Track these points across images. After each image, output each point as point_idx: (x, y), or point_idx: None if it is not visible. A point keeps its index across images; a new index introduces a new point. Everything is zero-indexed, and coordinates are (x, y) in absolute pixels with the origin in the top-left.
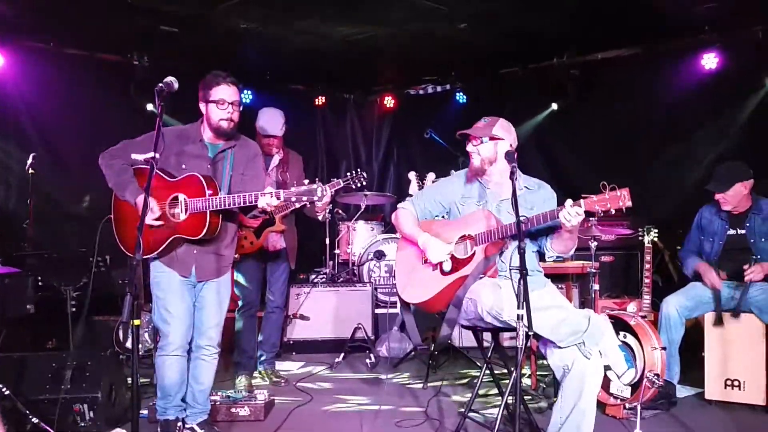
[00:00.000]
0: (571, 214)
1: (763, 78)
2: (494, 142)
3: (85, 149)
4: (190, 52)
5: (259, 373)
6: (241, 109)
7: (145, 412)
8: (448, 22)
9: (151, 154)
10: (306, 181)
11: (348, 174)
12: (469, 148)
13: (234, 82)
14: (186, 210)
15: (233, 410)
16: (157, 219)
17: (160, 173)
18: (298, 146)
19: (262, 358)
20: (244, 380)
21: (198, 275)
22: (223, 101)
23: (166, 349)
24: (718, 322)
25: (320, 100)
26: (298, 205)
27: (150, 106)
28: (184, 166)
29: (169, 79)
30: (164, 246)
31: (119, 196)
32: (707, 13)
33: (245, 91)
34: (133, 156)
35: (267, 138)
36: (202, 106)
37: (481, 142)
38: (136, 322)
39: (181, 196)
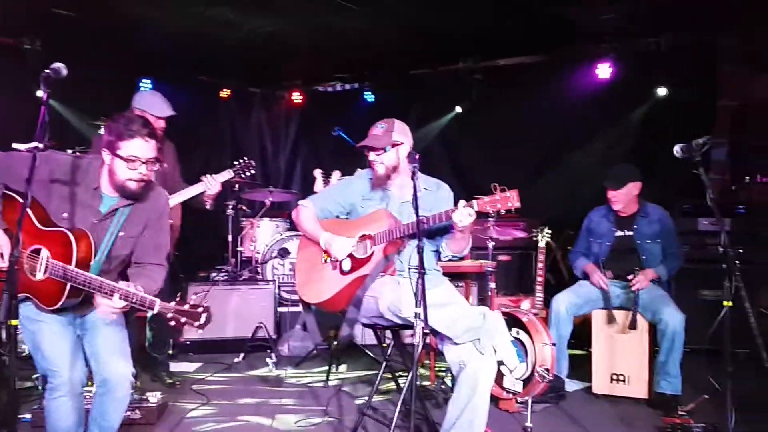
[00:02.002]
0: (464, 214)
1: (652, 88)
2: (396, 148)
3: None
4: (87, 37)
5: (151, 373)
6: (157, 166)
7: (28, 416)
8: (357, 21)
9: (34, 144)
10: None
11: (236, 163)
12: (372, 158)
13: (152, 134)
14: (45, 271)
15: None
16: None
17: (30, 214)
18: (202, 137)
19: (154, 359)
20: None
21: (74, 311)
22: (134, 159)
23: (54, 392)
24: (611, 319)
25: (225, 93)
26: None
27: (45, 95)
28: (65, 215)
29: (57, 65)
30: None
31: None
32: (604, 24)
33: (144, 81)
34: (14, 145)
35: (158, 120)
36: (105, 154)
37: (384, 151)
38: (14, 322)
39: (44, 252)
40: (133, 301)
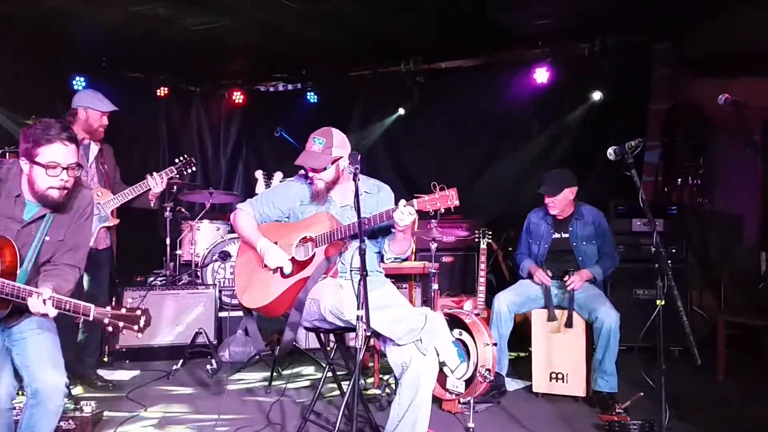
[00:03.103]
0: (404, 213)
1: (588, 92)
2: (335, 164)
3: None
4: (15, 31)
5: (82, 379)
6: (78, 172)
7: None
8: (297, 19)
9: None
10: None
11: (177, 160)
12: (311, 174)
13: (72, 138)
14: None
15: (57, 424)
16: None
17: None
18: (139, 137)
19: (85, 365)
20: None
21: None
22: (54, 165)
23: None
24: (552, 317)
25: (162, 91)
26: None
27: None
28: None
29: None
30: None
31: None
32: (541, 28)
33: (77, 78)
34: None
35: (102, 116)
36: (23, 163)
37: (324, 170)
38: None
39: None
40: (66, 308)
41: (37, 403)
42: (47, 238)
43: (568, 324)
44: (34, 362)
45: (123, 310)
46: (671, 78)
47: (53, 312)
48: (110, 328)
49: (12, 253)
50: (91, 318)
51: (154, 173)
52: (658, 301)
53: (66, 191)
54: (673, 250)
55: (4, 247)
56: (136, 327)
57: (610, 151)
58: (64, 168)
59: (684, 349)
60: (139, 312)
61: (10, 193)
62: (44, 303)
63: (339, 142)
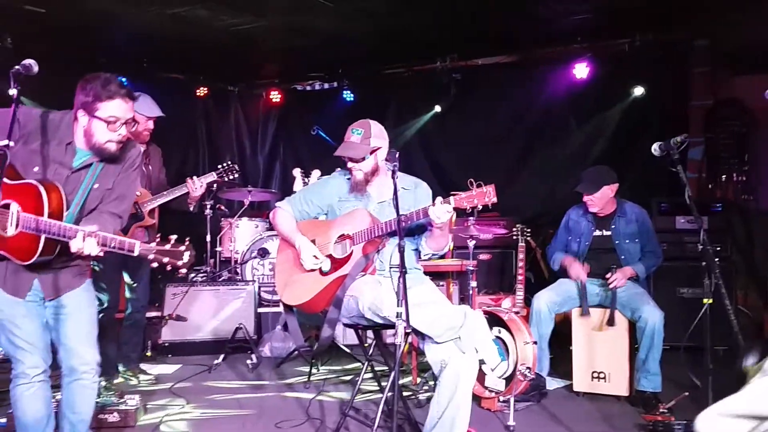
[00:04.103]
0: (441, 210)
1: (628, 88)
2: (374, 154)
3: None
4: (58, 34)
5: (126, 374)
6: (133, 126)
7: (3, 420)
8: (333, 18)
9: (5, 142)
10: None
11: (219, 166)
12: (350, 165)
13: (130, 94)
14: (17, 225)
15: (101, 416)
16: None
17: None
18: (178, 138)
19: (128, 359)
20: (103, 383)
21: (45, 293)
22: (114, 119)
23: (22, 377)
24: (585, 314)
25: (202, 91)
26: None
27: (15, 92)
28: (36, 169)
29: (28, 61)
30: None
31: None
32: (580, 24)
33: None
34: None
35: (148, 121)
36: (81, 115)
37: (363, 160)
38: None
39: (14, 206)
40: (112, 246)
41: (73, 380)
42: (96, 186)
43: (610, 322)
44: (71, 339)
45: (168, 246)
46: (711, 74)
47: (96, 250)
48: (155, 264)
49: (58, 198)
50: (135, 253)
51: (194, 177)
52: (705, 300)
53: (122, 145)
54: (718, 248)
55: (51, 191)
56: (180, 262)
57: (655, 147)
58: (123, 123)
59: (729, 348)
60: (183, 247)
61: (62, 140)
62: (84, 239)
63: (377, 133)
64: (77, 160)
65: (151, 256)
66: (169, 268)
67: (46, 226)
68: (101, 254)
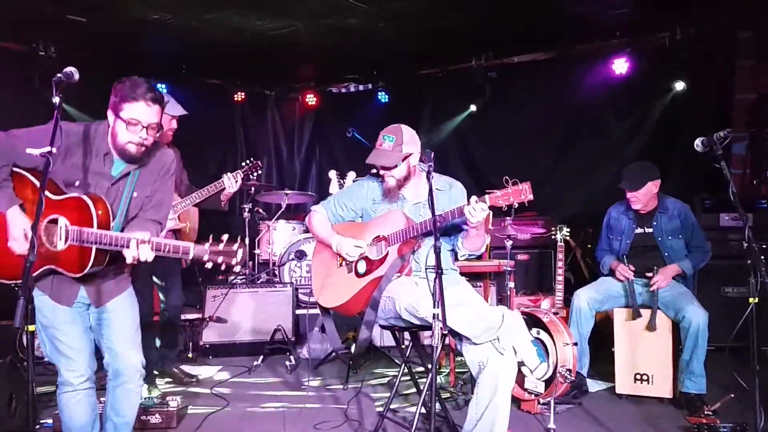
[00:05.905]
0: (476, 209)
1: (669, 83)
2: (406, 160)
3: None
4: (99, 42)
5: (166, 375)
6: (159, 132)
7: (49, 421)
8: (367, 20)
9: (47, 149)
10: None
11: (243, 164)
12: (383, 172)
13: (156, 99)
14: (66, 239)
15: (143, 418)
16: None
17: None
18: (216, 142)
19: (167, 360)
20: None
21: (91, 300)
22: (135, 122)
23: (68, 385)
24: (636, 315)
25: (239, 96)
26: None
27: (57, 100)
28: (77, 183)
29: (69, 69)
30: (35, 274)
31: None
32: (618, 19)
33: (158, 85)
34: (28, 150)
35: (171, 120)
36: (109, 114)
37: (395, 167)
38: (31, 327)
39: (62, 221)
40: (166, 250)
41: (118, 384)
42: (135, 194)
43: (652, 323)
44: (115, 343)
45: (221, 246)
46: (756, 67)
47: (151, 256)
48: (210, 265)
49: (105, 209)
50: (190, 256)
51: (229, 173)
52: (750, 299)
53: (144, 149)
54: (764, 246)
55: (97, 202)
56: (234, 261)
57: (698, 142)
58: (144, 126)
59: None
60: (236, 246)
61: (99, 150)
62: (138, 247)
63: (409, 139)
64: (115, 170)
65: (206, 257)
66: (223, 267)
67: (99, 237)
68: (152, 257)
